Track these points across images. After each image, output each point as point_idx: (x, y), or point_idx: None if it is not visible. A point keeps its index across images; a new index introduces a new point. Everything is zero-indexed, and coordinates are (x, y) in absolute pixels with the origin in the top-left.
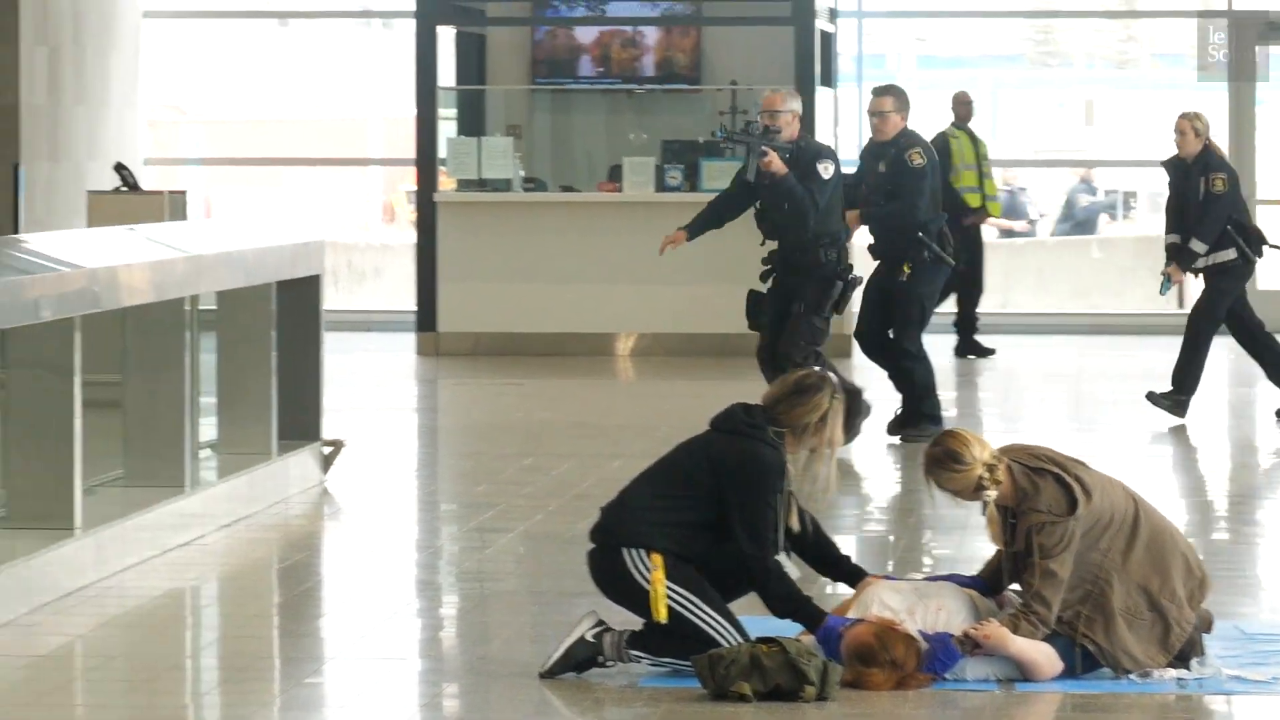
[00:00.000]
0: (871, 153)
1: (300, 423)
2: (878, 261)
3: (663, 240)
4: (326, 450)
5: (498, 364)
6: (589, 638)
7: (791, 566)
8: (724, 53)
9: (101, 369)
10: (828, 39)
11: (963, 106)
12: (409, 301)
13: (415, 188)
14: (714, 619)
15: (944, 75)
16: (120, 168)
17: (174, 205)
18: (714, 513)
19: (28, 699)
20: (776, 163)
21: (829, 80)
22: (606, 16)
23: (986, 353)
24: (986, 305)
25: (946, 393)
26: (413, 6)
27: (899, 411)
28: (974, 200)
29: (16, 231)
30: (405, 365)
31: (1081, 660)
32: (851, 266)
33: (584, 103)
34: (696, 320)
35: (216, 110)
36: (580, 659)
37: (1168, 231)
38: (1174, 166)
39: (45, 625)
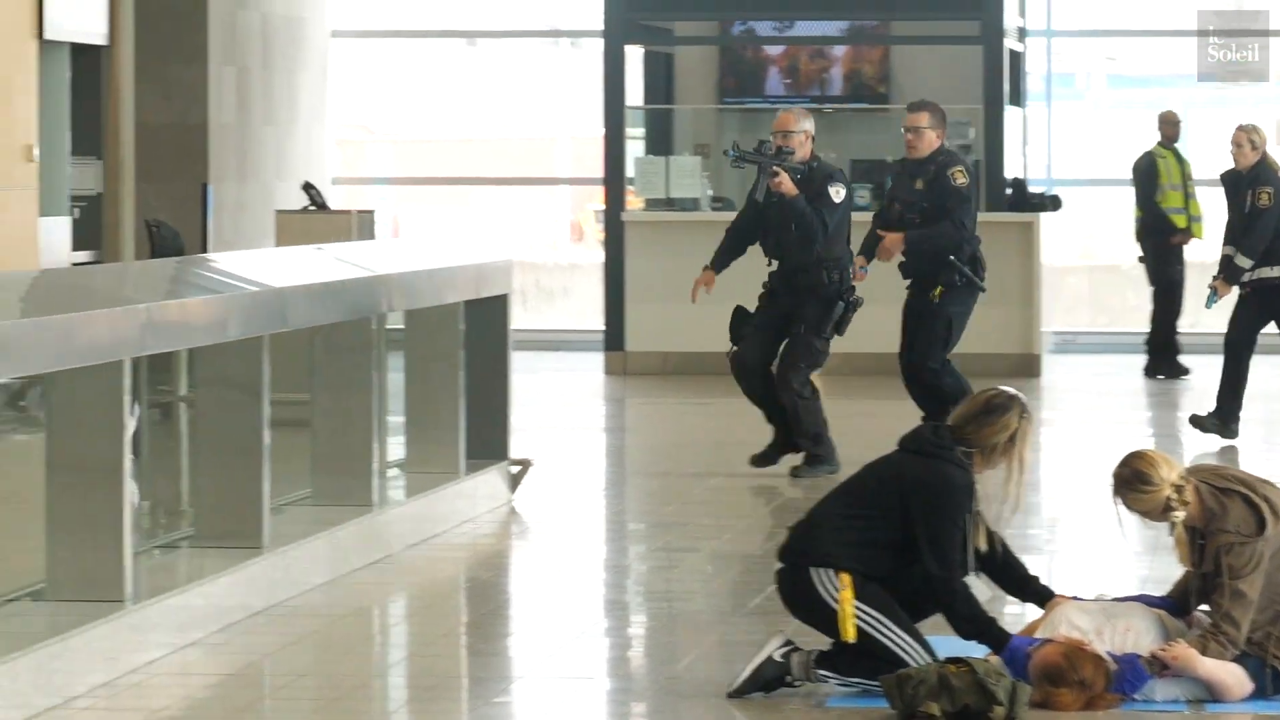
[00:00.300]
0: (906, 171)
1: (488, 442)
2: (908, 282)
3: (694, 285)
4: (514, 469)
5: (685, 383)
6: (777, 657)
7: (980, 587)
8: (912, 71)
9: (290, 388)
10: (1016, 58)
11: (1170, 126)
12: (597, 321)
13: (603, 207)
14: (902, 638)
15: (1134, 94)
16: (308, 187)
17: (362, 224)
18: (901, 533)
19: (217, 717)
20: (787, 183)
21: (1017, 99)
22: (794, 36)
23: (1180, 372)
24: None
25: (1139, 413)
26: (601, 26)
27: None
28: (1180, 221)
29: (205, 251)
30: (593, 385)
31: (1272, 681)
32: (854, 288)
33: (772, 122)
34: (887, 340)
35: (404, 129)
36: (768, 678)
37: (1224, 244)
38: (1229, 179)
39: (234, 644)
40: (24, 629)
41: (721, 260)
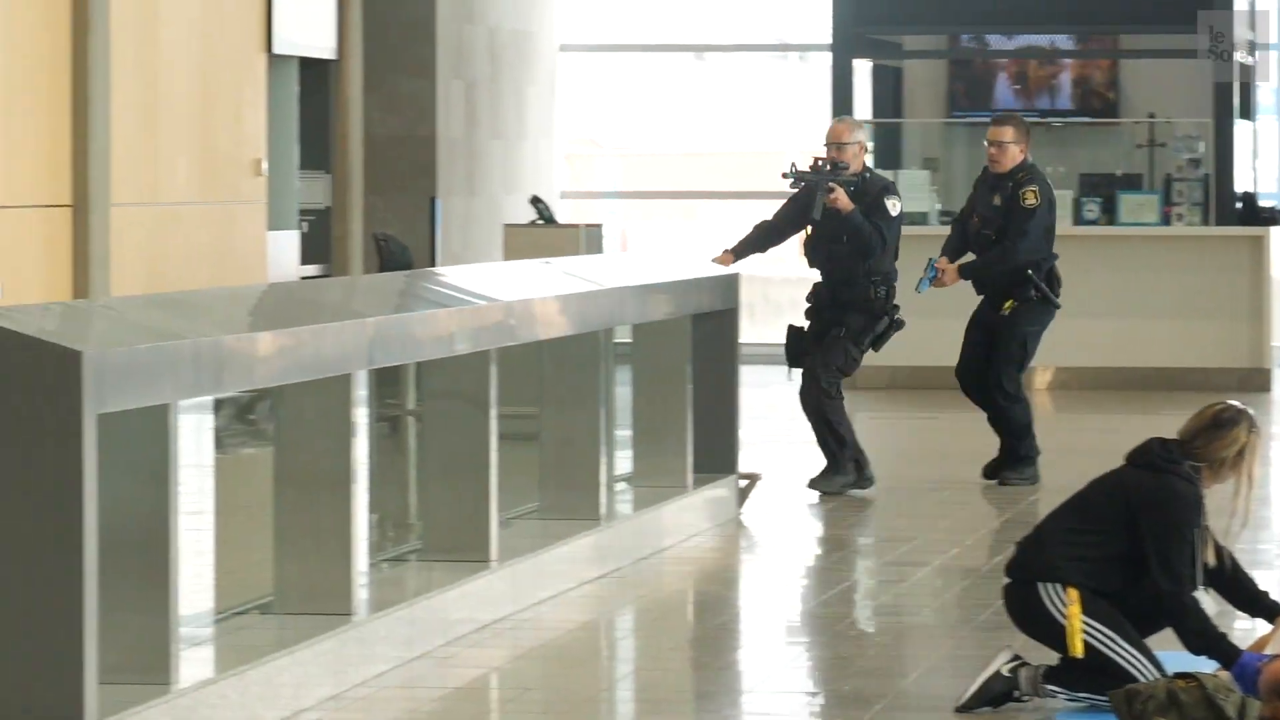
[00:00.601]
0: (986, 184)
1: (716, 456)
2: (981, 297)
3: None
4: (743, 483)
5: (913, 398)
6: (1005, 672)
7: (1209, 602)
8: (1142, 84)
9: (517, 402)
10: (1247, 71)
11: None
12: None
13: None
14: (1131, 654)
15: None
16: (536, 201)
17: (590, 238)
18: (1130, 547)
19: None
20: (843, 199)
21: (1248, 113)
22: (1022, 48)
23: None
24: None
25: None
26: (829, 40)
27: (997, 454)
28: None
29: (433, 264)
30: None
31: None
32: (898, 306)
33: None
34: (1113, 354)
35: (633, 143)
36: (996, 693)
37: None
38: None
39: (461, 657)
40: (252, 642)
41: (743, 251)
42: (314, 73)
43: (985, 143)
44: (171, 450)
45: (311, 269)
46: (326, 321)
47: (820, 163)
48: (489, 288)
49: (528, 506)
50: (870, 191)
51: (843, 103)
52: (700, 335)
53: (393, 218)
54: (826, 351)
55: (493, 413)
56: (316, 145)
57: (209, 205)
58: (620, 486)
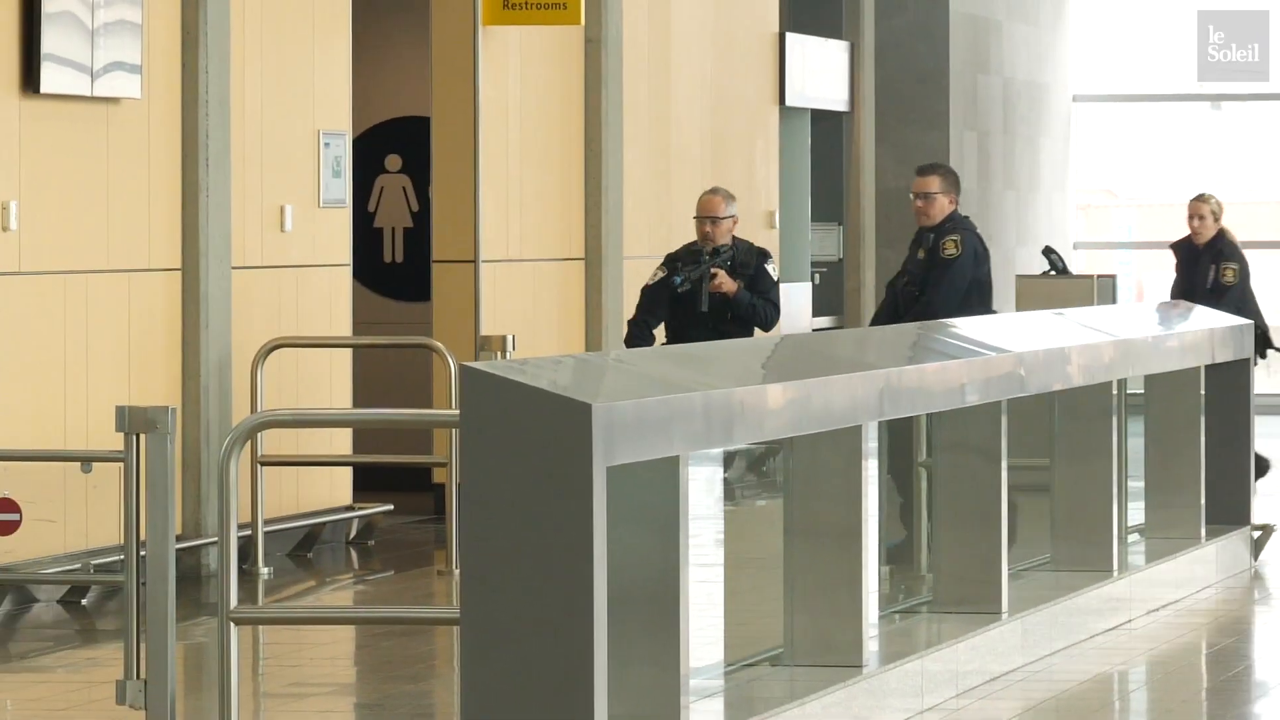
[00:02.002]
0: (915, 239)
1: (1229, 507)
2: None
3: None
4: (1256, 534)
5: None
6: None
7: None
8: None
9: (1028, 453)
10: None
11: None
12: None
13: None
14: None
15: None
16: (1049, 252)
17: (1103, 289)
18: None
19: None
20: (727, 282)
21: None
22: None
23: None
24: None
25: None
26: None
27: None
28: None
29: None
30: None
31: None
32: None
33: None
34: None
35: (1148, 193)
36: None
37: None
38: (1183, 250)
39: (971, 710)
40: (762, 694)
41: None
42: (826, 125)
43: (911, 195)
44: (682, 502)
45: (823, 321)
46: (837, 373)
47: (695, 246)
48: (1000, 339)
49: (1039, 558)
50: (749, 262)
51: None
52: (1213, 385)
53: None
54: None
55: (1003, 463)
56: (828, 197)
57: None
58: (1132, 538)
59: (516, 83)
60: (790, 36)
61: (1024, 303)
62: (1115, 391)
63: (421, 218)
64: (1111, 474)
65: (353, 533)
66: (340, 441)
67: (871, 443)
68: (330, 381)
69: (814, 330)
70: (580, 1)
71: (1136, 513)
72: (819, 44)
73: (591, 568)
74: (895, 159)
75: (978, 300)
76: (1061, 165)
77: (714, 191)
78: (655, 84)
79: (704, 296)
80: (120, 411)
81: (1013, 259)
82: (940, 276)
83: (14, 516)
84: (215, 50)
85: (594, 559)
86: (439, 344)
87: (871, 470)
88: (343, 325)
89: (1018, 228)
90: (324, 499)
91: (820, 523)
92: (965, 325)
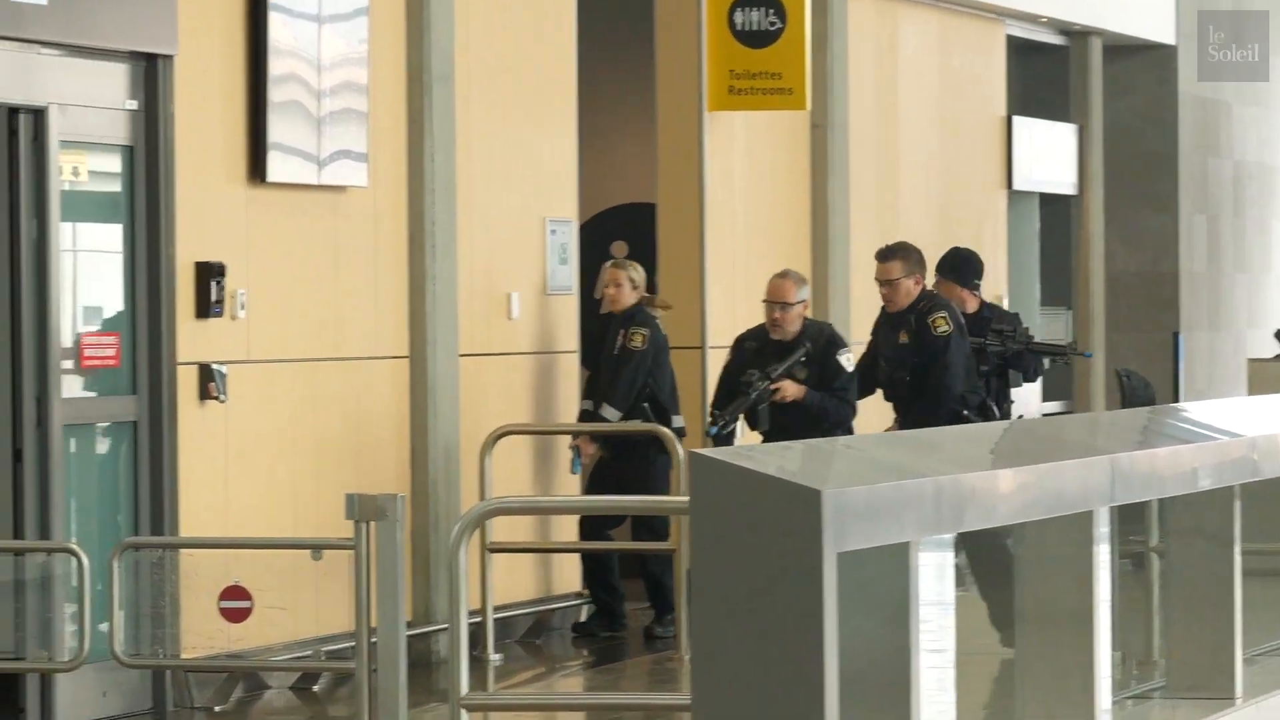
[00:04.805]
0: (886, 323)
1: None
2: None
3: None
4: None
5: None
6: None
7: None
8: None
9: (1262, 538)
10: None
11: None
12: None
13: None
14: None
15: None
16: None
17: None
18: None
19: None
20: (791, 389)
21: None
22: None
23: None
24: None
25: None
26: None
27: None
28: None
29: (1177, 399)
30: None
31: None
32: None
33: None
34: None
35: None
36: None
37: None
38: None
39: None
40: None
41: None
42: (1054, 209)
43: (875, 281)
44: (913, 588)
45: (1052, 405)
46: (1068, 458)
47: (751, 375)
48: (1233, 422)
49: (1273, 644)
50: (818, 354)
51: None
52: None
53: (1134, 353)
54: None
55: (1236, 549)
56: (1057, 281)
57: None
58: None
59: (742, 168)
60: (1017, 120)
61: (1255, 386)
62: None
63: None
64: None
65: (582, 618)
66: (570, 526)
67: (1103, 528)
68: (560, 467)
69: (1044, 415)
70: (806, 86)
71: None
72: (1047, 127)
73: (823, 653)
74: (1125, 242)
75: (973, 369)
76: None
77: (784, 275)
78: (882, 169)
79: (763, 419)
80: (350, 499)
81: (1244, 342)
82: (943, 354)
83: (245, 604)
84: (441, 138)
85: (825, 644)
86: (667, 431)
87: (1103, 555)
88: (570, 411)
89: (1249, 311)
90: (553, 585)
91: (1051, 608)
92: (1195, 409)
